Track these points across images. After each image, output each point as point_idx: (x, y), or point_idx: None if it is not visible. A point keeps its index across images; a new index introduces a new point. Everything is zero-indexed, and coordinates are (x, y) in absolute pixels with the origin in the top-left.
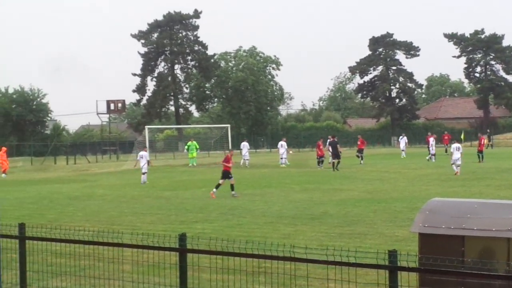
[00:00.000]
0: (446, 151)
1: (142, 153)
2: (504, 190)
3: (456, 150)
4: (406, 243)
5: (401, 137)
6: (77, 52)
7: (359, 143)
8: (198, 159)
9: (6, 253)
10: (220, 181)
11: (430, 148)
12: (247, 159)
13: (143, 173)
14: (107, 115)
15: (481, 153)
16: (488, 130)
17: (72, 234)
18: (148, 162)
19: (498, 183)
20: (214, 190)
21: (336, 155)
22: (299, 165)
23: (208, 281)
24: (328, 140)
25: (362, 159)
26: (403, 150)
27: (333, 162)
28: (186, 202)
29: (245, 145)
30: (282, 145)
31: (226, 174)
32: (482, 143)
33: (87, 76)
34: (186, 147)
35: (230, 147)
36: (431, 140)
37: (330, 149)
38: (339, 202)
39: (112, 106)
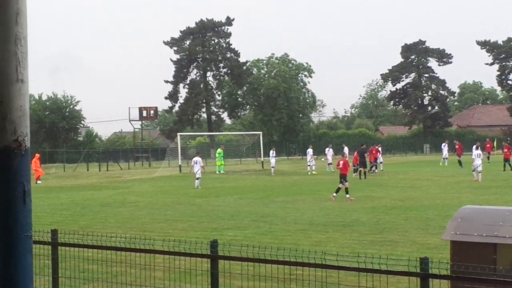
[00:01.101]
0: (488, 158)
1: (196, 158)
2: None
3: (477, 157)
4: (438, 250)
5: (443, 144)
6: (111, 59)
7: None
8: (231, 166)
9: (39, 259)
10: (340, 185)
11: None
12: (273, 167)
13: (197, 178)
14: (140, 122)
15: (507, 161)
16: (509, 139)
17: (104, 240)
18: (202, 167)
19: None
20: (334, 194)
21: (363, 163)
22: (330, 173)
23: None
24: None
25: (376, 168)
26: (445, 158)
27: (360, 170)
28: (217, 209)
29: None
30: (309, 152)
31: (343, 178)
32: (507, 151)
33: (120, 83)
34: (217, 154)
35: (344, 151)
36: (443, 146)
37: (358, 157)
38: (371, 210)
39: (144, 113)
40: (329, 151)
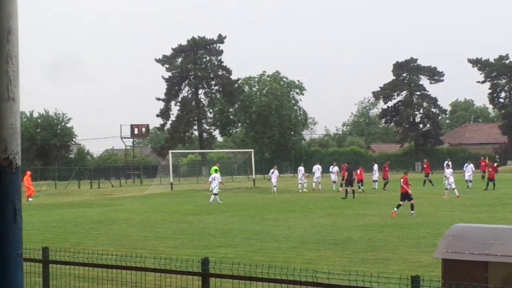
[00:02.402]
0: (482, 177)
1: (214, 175)
2: None
3: (450, 175)
4: (430, 268)
5: (466, 164)
6: (102, 76)
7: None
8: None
9: (30, 277)
10: (401, 202)
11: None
12: (274, 186)
13: (215, 194)
14: (131, 139)
15: (492, 181)
16: (487, 158)
17: (95, 258)
18: (221, 183)
19: None
20: (395, 209)
21: (350, 181)
22: (323, 190)
23: None
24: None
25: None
26: (469, 181)
27: (346, 189)
28: (209, 227)
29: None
30: (300, 170)
31: (405, 196)
32: (491, 170)
33: (111, 101)
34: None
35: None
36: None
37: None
38: (363, 227)
39: (136, 131)
40: (334, 168)
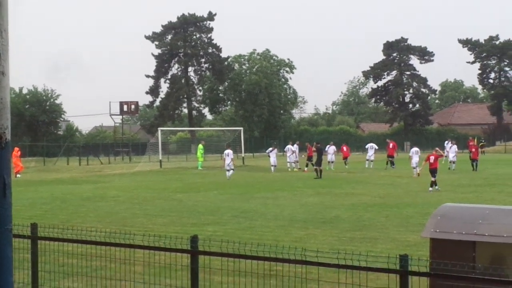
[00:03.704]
0: (470, 156)
1: (227, 151)
2: None
3: (415, 154)
4: (418, 248)
5: (448, 144)
6: (90, 53)
7: (345, 149)
8: (211, 161)
9: (18, 253)
10: (433, 178)
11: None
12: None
13: (228, 170)
14: (120, 117)
15: (475, 161)
16: (476, 138)
17: (84, 234)
18: (232, 160)
19: (510, 189)
20: (430, 189)
21: (319, 162)
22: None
23: (220, 283)
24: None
25: (393, 164)
26: (453, 162)
27: (316, 169)
28: (198, 205)
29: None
30: (288, 148)
31: (433, 171)
32: (475, 150)
33: (100, 77)
34: (199, 149)
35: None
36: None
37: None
38: (351, 207)
39: (125, 108)
40: (330, 148)
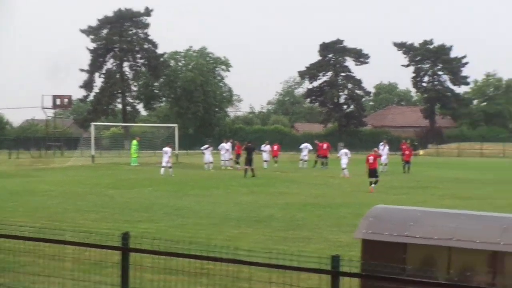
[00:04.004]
0: (402, 158)
1: (166, 148)
2: (447, 200)
3: (344, 155)
4: (350, 248)
5: (382, 147)
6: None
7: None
8: (145, 158)
9: None
10: (371, 179)
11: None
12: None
13: (163, 167)
14: (53, 110)
15: (407, 163)
16: (409, 141)
17: (12, 229)
18: (169, 158)
19: (442, 192)
20: (373, 185)
21: (250, 161)
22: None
23: (151, 281)
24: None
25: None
26: (385, 164)
27: (246, 169)
28: (130, 201)
29: (223, 146)
30: (223, 147)
31: (373, 172)
32: (407, 153)
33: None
34: (133, 146)
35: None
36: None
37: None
38: (285, 206)
39: (58, 101)
40: (266, 147)
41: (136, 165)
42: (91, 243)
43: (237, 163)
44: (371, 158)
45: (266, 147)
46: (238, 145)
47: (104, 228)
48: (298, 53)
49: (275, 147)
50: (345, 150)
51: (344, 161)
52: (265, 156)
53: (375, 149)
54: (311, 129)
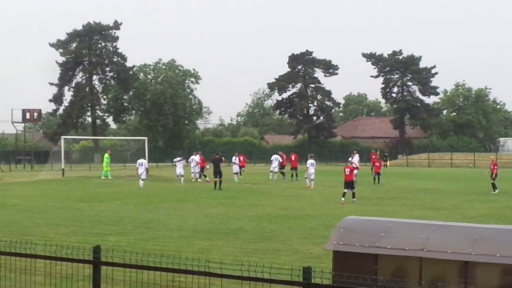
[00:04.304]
0: (371, 170)
1: (141, 160)
2: (417, 210)
3: (311, 166)
4: (321, 260)
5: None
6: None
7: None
8: (115, 171)
9: None
10: (345, 190)
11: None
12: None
13: (142, 179)
14: (23, 124)
15: (377, 175)
16: (379, 152)
17: None
18: (147, 169)
19: (412, 203)
20: (343, 199)
21: (218, 173)
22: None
23: None
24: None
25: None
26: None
27: (216, 181)
28: (100, 214)
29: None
30: (193, 159)
31: (349, 184)
32: (378, 164)
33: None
34: (105, 159)
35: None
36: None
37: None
38: (255, 218)
39: (28, 115)
40: (236, 159)
41: (109, 178)
42: (62, 257)
43: (204, 175)
44: (347, 170)
45: (236, 159)
46: (202, 157)
47: (75, 242)
48: (268, 64)
49: (241, 158)
50: (311, 161)
51: (310, 171)
52: (235, 168)
53: (351, 160)
54: (281, 140)
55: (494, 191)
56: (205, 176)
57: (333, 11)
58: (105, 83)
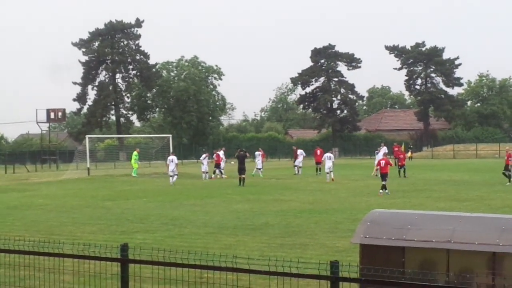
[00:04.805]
0: (395, 164)
1: (171, 157)
2: (443, 202)
3: (328, 159)
4: (347, 253)
5: (377, 152)
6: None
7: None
8: (140, 169)
9: None
10: (383, 182)
11: (258, 162)
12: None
13: (172, 176)
14: (47, 124)
15: (402, 167)
16: (404, 145)
17: (11, 244)
18: (177, 165)
19: (438, 194)
20: (381, 191)
21: (243, 169)
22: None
23: None
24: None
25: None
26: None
27: (240, 178)
28: (126, 212)
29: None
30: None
31: (384, 176)
32: (402, 157)
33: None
34: (134, 156)
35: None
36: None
37: (238, 163)
38: (280, 213)
39: (52, 115)
40: (302, 153)
41: (137, 176)
42: (90, 255)
43: (221, 172)
44: (382, 162)
45: (259, 155)
46: (218, 154)
47: (102, 240)
48: (291, 59)
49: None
50: (329, 154)
51: (328, 165)
52: (259, 164)
53: (378, 153)
54: (305, 135)
55: (510, 181)
56: (221, 173)
57: (355, 4)
58: (128, 81)
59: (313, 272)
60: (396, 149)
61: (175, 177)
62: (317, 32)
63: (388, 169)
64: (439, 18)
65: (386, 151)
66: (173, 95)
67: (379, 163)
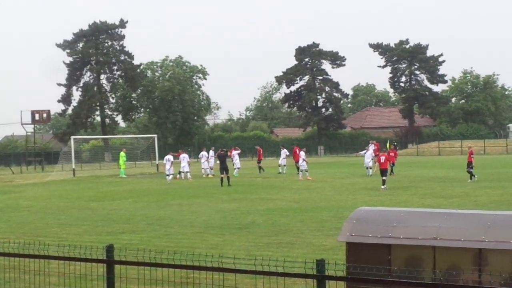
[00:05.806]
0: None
1: (167, 156)
2: (429, 199)
3: (301, 158)
4: (334, 252)
5: (365, 151)
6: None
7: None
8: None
9: None
10: (384, 178)
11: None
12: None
13: (168, 175)
14: (32, 126)
15: (392, 165)
16: (394, 143)
17: None
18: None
19: (423, 191)
20: (383, 187)
21: (225, 169)
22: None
23: None
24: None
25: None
26: (369, 168)
27: (222, 177)
28: (112, 213)
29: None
30: (203, 155)
31: (383, 172)
32: (392, 154)
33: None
34: (121, 157)
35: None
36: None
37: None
38: (267, 212)
39: (37, 116)
40: (284, 152)
41: (122, 176)
42: (76, 257)
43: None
44: (382, 158)
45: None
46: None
47: (87, 242)
48: (275, 58)
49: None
50: (301, 152)
51: (303, 164)
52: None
53: (365, 150)
54: (290, 133)
55: (471, 179)
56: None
57: (338, 2)
58: (113, 82)
59: (300, 271)
60: (376, 147)
61: (171, 176)
62: (301, 30)
63: (388, 165)
64: (422, 16)
65: (375, 148)
66: (158, 95)
67: (379, 159)
